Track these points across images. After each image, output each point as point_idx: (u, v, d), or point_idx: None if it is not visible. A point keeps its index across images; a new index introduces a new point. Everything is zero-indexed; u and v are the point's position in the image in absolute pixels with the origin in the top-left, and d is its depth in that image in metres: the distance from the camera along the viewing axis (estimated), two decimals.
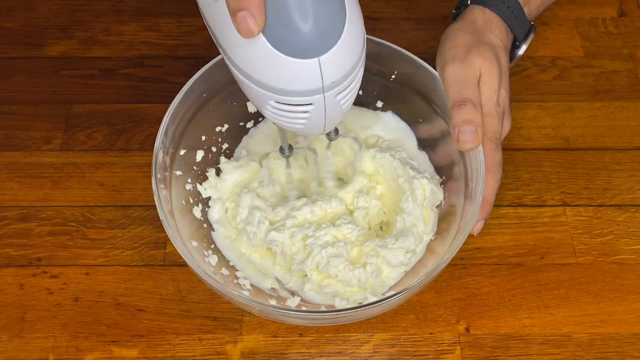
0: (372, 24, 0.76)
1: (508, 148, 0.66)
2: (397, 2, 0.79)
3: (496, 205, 0.60)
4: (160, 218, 0.52)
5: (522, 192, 0.65)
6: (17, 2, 0.79)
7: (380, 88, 0.63)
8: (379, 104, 0.65)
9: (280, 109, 0.44)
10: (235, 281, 0.57)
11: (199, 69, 0.58)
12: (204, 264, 0.55)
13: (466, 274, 0.60)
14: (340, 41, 0.41)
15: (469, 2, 0.64)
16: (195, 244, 0.56)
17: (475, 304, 0.59)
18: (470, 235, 0.55)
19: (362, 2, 0.44)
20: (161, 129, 0.56)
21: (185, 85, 0.58)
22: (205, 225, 0.60)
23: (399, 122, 0.65)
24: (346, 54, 0.42)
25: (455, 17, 0.65)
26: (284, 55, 0.40)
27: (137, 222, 0.63)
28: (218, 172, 0.63)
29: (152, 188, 0.53)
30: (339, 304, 0.55)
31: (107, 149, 0.68)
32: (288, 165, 0.60)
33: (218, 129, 0.63)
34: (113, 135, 0.68)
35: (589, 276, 0.60)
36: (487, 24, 0.61)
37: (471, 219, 0.53)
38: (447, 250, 0.52)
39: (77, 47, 0.75)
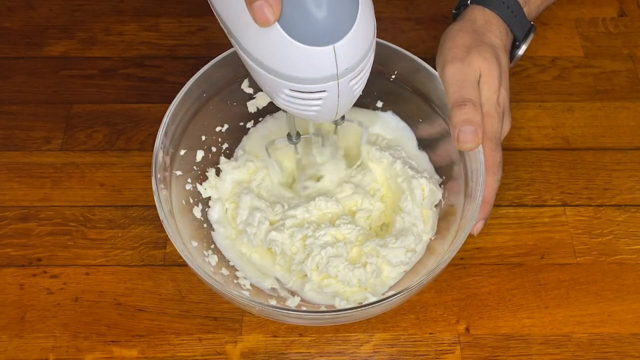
0: None
1: (508, 148, 0.66)
2: (397, 2, 0.79)
3: (496, 205, 0.60)
4: (160, 218, 0.52)
5: (522, 192, 0.65)
6: (17, 2, 0.79)
7: (380, 88, 0.63)
8: (379, 104, 0.65)
9: (294, 97, 0.44)
10: (235, 281, 0.57)
11: (199, 69, 0.58)
12: (204, 264, 0.55)
13: (466, 274, 0.60)
14: (354, 28, 0.41)
15: (468, 2, 0.64)
16: (195, 244, 0.56)
17: (475, 304, 0.59)
18: (470, 235, 0.55)
19: (374, 10, 0.44)
20: (161, 129, 0.56)
21: (185, 85, 0.58)
22: (205, 225, 0.60)
23: (399, 122, 0.65)
24: (359, 40, 0.42)
25: (455, 17, 0.65)
26: (299, 43, 0.40)
27: (137, 222, 0.63)
28: (218, 172, 0.63)
29: (152, 188, 0.53)
30: (339, 304, 0.55)
31: (107, 149, 0.68)
32: (297, 151, 0.60)
33: (218, 129, 0.63)
34: (113, 135, 0.68)
35: (589, 276, 0.60)
36: (487, 24, 0.61)
37: (471, 219, 0.53)
38: (447, 250, 0.53)
39: (77, 47, 0.75)
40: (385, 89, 0.63)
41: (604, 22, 0.77)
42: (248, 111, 0.64)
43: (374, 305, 0.50)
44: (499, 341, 0.57)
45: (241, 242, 0.59)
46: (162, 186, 0.55)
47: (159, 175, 0.54)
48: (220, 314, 0.58)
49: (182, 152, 0.59)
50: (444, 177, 0.62)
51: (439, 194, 0.61)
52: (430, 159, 0.64)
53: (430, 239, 0.59)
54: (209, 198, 0.62)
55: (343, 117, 0.57)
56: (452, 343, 0.57)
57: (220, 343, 0.57)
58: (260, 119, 0.66)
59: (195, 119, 0.60)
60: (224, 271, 0.57)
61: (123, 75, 0.73)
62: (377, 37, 0.59)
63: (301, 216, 0.59)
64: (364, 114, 0.66)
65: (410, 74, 0.61)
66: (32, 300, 0.59)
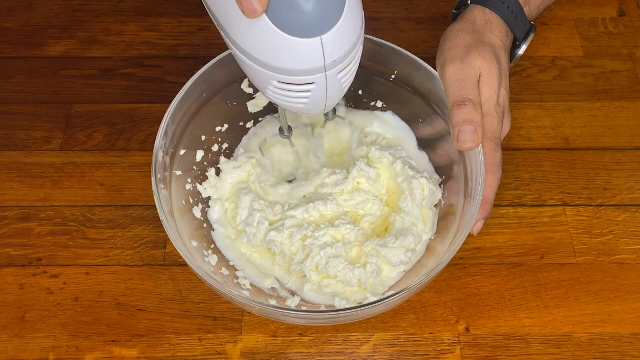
0: (372, 24, 0.76)
1: (508, 148, 0.66)
2: (397, 2, 0.79)
3: (496, 205, 0.60)
4: (160, 218, 0.52)
5: (522, 192, 0.65)
6: (17, 2, 0.79)
7: (380, 88, 0.63)
8: (379, 104, 0.65)
9: (282, 89, 0.45)
10: (235, 281, 0.57)
11: (199, 69, 0.58)
12: (204, 264, 0.55)
13: (466, 274, 0.60)
14: (341, 20, 0.41)
15: (469, 2, 0.64)
16: (195, 244, 0.56)
17: (475, 304, 0.59)
18: (470, 235, 0.55)
19: (362, 2, 0.44)
20: (161, 129, 0.56)
21: (185, 85, 0.58)
22: (205, 225, 0.60)
23: (399, 122, 0.65)
24: (347, 32, 0.42)
25: (455, 17, 0.65)
26: (287, 35, 0.40)
27: (137, 222, 0.63)
28: (218, 172, 0.63)
29: (152, 188, 0.53)
30: (339, 303, 0.55)
31: (108, 149, 0.68)
32: (292, 144, 0.61)
33: (218, 129, 0.63)
34: (113, 135, 0.69)
35: (588, 276, 0.60)
36: (487, 24, 0.61)
37: (471, 219, 0.53)
38: (447, 250, 0.53)
39: (77, 47, 0.75)
40: (385, 89, 0.63)
41: (604, 22, 0.77)
42: (248, 111, 0.64)
43: (373, 305, 0.50)
44: (498, 341, 0.57)
45: (241, 242, 0.59)
46: (162, 186, 0.55)
47: (159, 175, 0.54)
48: (220, 314, 0.58)
49: (182, 152, 0.59)
50: (444, 177, 0.62)
51: (438, 194, 0.61)
52: (430, 159, 0.64)
53: (430, 239, 0.59)
54: (209, 198, 0.62)
55: (334, 111, 0.57)
56: (452, 343, 0.57)
57: (220, 343, 0.57)
58: (260, 119, 0.66)
59: (195, 119, 0.60)
60: (224, 271, 0.57)
61: (123, 75, 0.73)
62: (377, 37, 0.59)
63: (301, 217, 0.59)
64: (364, 114, 0.66)
65: (410, 74, 0.61)
66: (32, 300, 0.59)
